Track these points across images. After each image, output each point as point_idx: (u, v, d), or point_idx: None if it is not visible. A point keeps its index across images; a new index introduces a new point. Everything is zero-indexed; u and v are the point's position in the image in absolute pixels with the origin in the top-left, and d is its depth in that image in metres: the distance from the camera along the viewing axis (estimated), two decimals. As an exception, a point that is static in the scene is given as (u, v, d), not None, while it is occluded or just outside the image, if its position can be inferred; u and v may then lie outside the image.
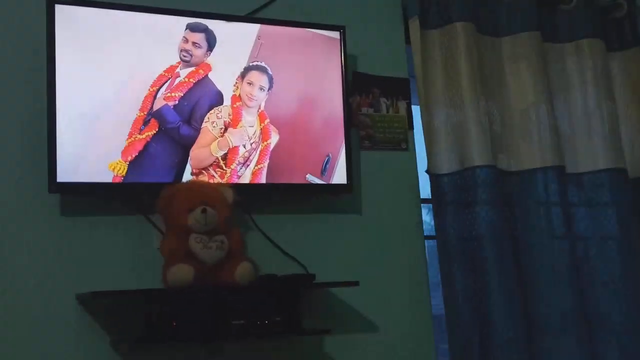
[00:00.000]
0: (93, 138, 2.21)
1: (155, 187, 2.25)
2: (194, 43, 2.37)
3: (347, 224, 2.63)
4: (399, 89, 2.80)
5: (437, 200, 2.74)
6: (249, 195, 2.40)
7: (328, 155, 2.53)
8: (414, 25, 2.78)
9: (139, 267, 2.28)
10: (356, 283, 2.37)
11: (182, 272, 2.11)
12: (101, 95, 2.23)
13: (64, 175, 2.16)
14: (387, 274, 2.65)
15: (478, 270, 2.68)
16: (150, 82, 2.29)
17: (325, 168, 2.52)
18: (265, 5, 2.61)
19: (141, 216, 2.31)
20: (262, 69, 2.46)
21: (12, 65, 2.26)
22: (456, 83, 2.79)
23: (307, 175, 2.50)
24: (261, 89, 2.46)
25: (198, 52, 2.37)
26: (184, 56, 2.35)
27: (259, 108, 2.45)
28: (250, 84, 2.44)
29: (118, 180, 2.22)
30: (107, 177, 2.21)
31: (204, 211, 2.17)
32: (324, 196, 2.57)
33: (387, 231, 2.69)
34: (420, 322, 2.66)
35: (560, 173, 2.86)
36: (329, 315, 2.51)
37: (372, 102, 2.75)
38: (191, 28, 2.37)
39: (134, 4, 2.33)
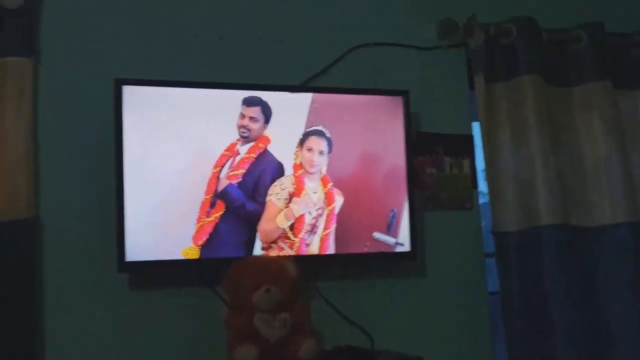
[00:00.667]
0: (162, 226, 2.26)
1: (222, 261, 2.29)
2: (250, 118, 2.38)
3: (412, 289, 2.62)
4: (463, 147, 2.76)
5: (502, 260, 2.68)
6: (314, 265, 2.42)
7: (393, 210, 2.51)
8: (479, 80, 2.73)
9: (206, 341, 2.33)
10: (420, 359, 2.35)
11: (247, 353, 2.14)
12: (167, 181, 2.28)
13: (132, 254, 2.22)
14: (452, 339, 2.64)
15: (547, 332, 2.62)
16: (213, 163, 2.33)
17: (391, 223, 2.51)
18: (322, 72, 2.61)
19: (208, 289, 2.35)
20: (320, 134, 2.46)
21: (81, 147, 2.33)
22: (524, 137, 2.72)
23: (374, 234, 2.49)
24: (321, 153, 2.46)
25: (255, 126, 2.39)
26: (243, 132, 2.37)
27: (321, 173, 2.46)
28: (310, 150, 2.45)
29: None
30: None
31: (267, 291, 2.19)
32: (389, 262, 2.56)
33: (451, 293, 2.67)
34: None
35: (636, 229, 2.76)
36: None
37: (435, 161, 2.72)
38: (247, 103, 2.39)
39: (191, 80, 2.38)
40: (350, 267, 2.54)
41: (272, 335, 2.20)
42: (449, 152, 2.74)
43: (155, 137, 2.29)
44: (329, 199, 2.46)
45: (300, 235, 2.40)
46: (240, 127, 2.37)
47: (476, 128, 2.79)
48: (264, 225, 2.37)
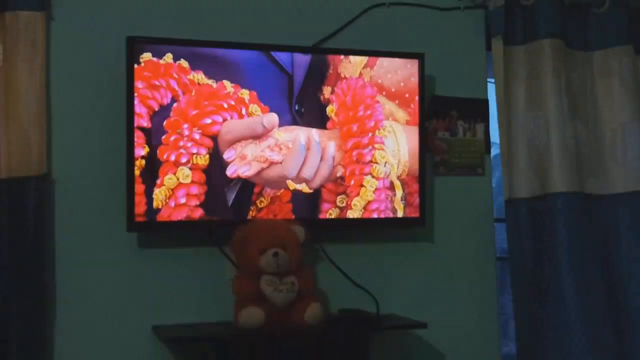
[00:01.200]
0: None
1: (230, 223, 2.30)
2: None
3: (420, 253, 2.64)
4: (477, 111, 2.73)
5: (513, 227, 2.67)
6: (321, 229, 2.43)
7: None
8: (497, 43, 2.68)
9: (213, 299, 2.36)
10: (424, 325, 2.37)
11: (253, 316, 2.18)
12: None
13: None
14: (455, 307, 2.66)
15: (557, 301, 2.61)
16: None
17: None
18: (335, 33, 2.56)
19: (215, 248, 2.36)
20: None
21: (92, 106, 2.32)
22: (541, 102, 2.68)
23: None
24: None
25: None
26: None
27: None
28: None
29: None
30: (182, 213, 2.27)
31: (275, 254, 2.21)
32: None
33: (459, 258, 2.68)
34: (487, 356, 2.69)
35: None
36: (399, 349, 2.55)
37: (448, 125, 2.69)
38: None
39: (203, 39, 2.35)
40: (359, 231, 2.54)
41: (279, 299, 2.22)
42: (463, 116, 2.71)
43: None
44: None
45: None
46: None
47: (492, 92, 2.75)
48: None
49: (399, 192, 2.47)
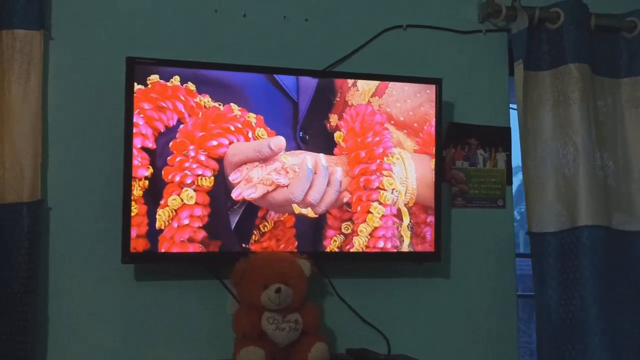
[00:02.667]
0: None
1: (231, 255, 2.17)
2: None
3: (435, 289, 2.48)
4: (498, 140, 2.58)
5: (538, 262, 2.52)
6: (329, 262, 2.30)
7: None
8: (519, 67, 2.54)
9: (214, 335, 2.24)
10: (436, 368, 2.23)
11: (252, 356, 2.04)
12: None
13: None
14: (472, 347, 2.50)
15: (585, 341, 2.45)
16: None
17: None
18: (349, 56, 2.44)
19: (216, 281, 2.24)
20: None
21: (91, 129, 2.22)
22: (566, 130, 2.54)
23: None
24: None
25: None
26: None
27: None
28: None
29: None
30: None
31: (278, 290, 2.08)
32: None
33: (478, 295, 2.52)
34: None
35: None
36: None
37: (467, 154, 2.55)
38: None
39: (210, 61, 2.25)
40: (369, 265, 2.40)
41: (281, 338, 2.09)
42: (483, 145, 2.56)
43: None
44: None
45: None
46: None
47: (514, 119, 2.60)
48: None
49: (406, 220, 2.34)
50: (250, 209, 2.23)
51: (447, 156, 2.51)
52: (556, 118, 2.54)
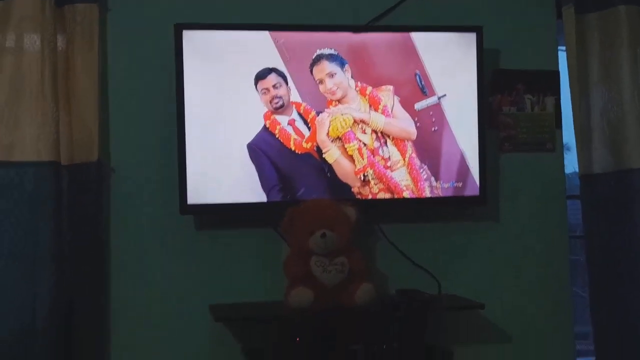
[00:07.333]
0: (223, 169, 2.33)
1: (281, 204, 2.31)
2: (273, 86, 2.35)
3: (483, 233, 2.55)
4: (546, 84, 2.59)
5: (588, 204, 2.55)
6: (378, 208, 2.40)
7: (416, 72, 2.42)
8: (569, 12, 2.54)
9: (268, 279, 2.38)
10: (481, 306, 2.30)
11: (302, 297, 2.18)
12: (227, 125, 2.33)
13: (195, 196, 2.29)
14: (524, 287, 2.56)
15: (633, 280, 2.47)
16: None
17: (422, 85, 2.42)
18: (387, 11, 2.50)
19: (270, 229, 2.38)
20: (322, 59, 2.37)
21: (148, 92, 2.38)
22: (616, 73, 2.52)
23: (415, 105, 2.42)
24: (331, 75, 2.36)
25: (282, 91, 2.35)
26: (276, 102, 2.35)
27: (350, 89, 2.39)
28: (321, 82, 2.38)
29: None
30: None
31: (323, 236, 2.20)
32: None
33: (528, 238, 2.57)
34: (559, 339, 2.56)
35: None
36: (455, 332, 2.48)
37: (515, 100, 2.57)
38: (260, 77, 2.34)
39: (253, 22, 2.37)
40: (417, 210, 2.48)
41: (328, 279, 2.22)
42: (530, 90, 2.58)
43: (216, 82, 2.31)
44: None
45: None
46: (271, 99, 2.34)
47: (563, 63, 2.60)
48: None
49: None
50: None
51: (493, 103, 2.54)
52: (603, 61, 2.53)
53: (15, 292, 2.20)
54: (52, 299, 2.20)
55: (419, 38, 2.40)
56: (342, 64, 2.37)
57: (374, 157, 2.38)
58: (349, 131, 2.36)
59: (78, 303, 2.26)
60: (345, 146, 2.37)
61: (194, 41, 2.29)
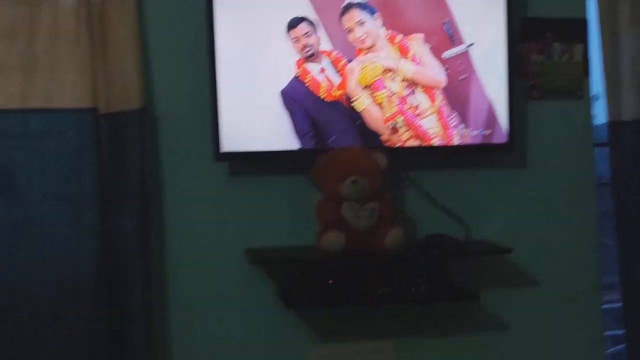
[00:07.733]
0: (258, 116, 2.38)
1: (313, 152, 2.37)
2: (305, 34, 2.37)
3: (512, 179, 2.59)
4: (574, 32, 2.60)
5: (616, 151, 2.59)
6: (404, 156, 2.45)
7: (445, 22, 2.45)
8: (598, -46, 2.54)
9: (301, 224, 2.45)
10: (509, 251, 2.36)
11: (334, 240, 2.25)
12: (261, 74, 2.38)
13: (229, 144, 2.35)
14: (551, 234, 2.60)
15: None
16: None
17: (451, 33, 2.44)
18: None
19: (302, 175, 2.43)
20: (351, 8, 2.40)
21: (175, 41, 2.42)
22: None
23: (443, 55, 2.46)
24: (361, 23, 2.39)
25: (312, 40, 2.38)
26: (307, 51, 2.38)
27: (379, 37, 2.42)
28: (350, 31, 2.40)
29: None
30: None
31: (354, 182, 2.26)
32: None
33: (556, 185, 2.61)
34: (586, 286, 2.62)
35: None
36: (482, 277, 2.53)
37: (543, 48, 2.59)
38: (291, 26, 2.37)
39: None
40: (446, 157, 2.53)
41: (359, 224, 2.28)
42: (559, 38, 2.59)
43: (248, 29, 2.36)
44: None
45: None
46: (302, 48, 2.38)
47: (591, 10, 2.61)
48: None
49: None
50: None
51: (522, 51, 2.56)
52: (633, 7, 2.54)
53: (63, 235, 2.26)
54: (99, 244, 2.27)
55: (447, -14, 2.42)
56: (371, 13, 2.40)
57: (403, 105, 2.43)
58: (378, 79, 2.40)
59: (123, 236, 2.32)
60: (375, 94, 2.41)
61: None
